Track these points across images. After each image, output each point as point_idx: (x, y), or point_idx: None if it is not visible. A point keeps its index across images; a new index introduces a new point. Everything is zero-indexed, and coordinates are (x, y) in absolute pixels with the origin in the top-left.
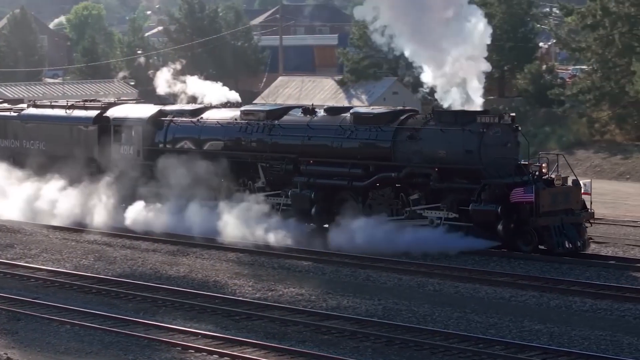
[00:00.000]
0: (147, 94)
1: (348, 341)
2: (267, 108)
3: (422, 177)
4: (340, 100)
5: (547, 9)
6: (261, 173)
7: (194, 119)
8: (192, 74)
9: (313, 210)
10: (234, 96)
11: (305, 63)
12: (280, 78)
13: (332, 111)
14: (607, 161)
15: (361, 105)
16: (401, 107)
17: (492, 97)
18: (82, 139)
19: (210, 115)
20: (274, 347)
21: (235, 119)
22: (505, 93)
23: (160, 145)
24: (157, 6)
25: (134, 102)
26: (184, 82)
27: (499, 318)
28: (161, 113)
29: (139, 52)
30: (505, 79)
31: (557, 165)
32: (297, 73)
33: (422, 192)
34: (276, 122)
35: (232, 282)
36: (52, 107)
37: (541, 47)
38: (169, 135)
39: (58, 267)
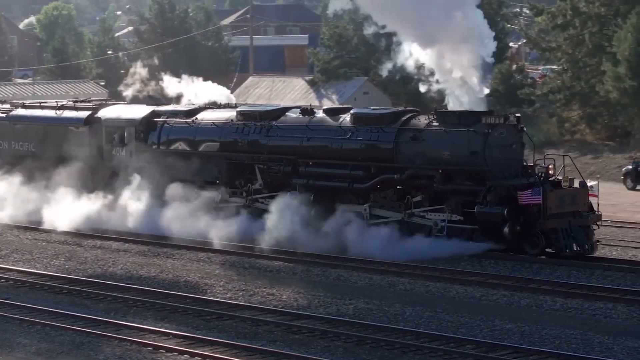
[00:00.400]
0: (117, 94)
1: (319, 341)
2: (264, 109)
3: (425, 178)
4: (310, 100)
5: (518, 9)
6: (258, 175)
7: (189, 120)
8: (162, 74)
9: (312, 212)
10: (228, 95)
11: (275, 63)
12: (250, 78)
13: (332, 112)
14: (578, 161)
15: (361, 106)
16: (402, 108)
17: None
18: (73, 140)
19: (205, 116)
20: (245, 346)
21: (232, 120)
22: None
23: (154, 147)
24: (127, 6)
25: (125, 102)
26: (179, 81)
27: (470, 317)
28: (154, 114)
29: (109, 52)
30: None
31: (563, 166)
32: (268, 73)
33: (425, 194)
34: (274, 122)
35: (202, 282)
36: (42, 107)
37: (511, 47)
38: (163, 137)
39: (29, 268)
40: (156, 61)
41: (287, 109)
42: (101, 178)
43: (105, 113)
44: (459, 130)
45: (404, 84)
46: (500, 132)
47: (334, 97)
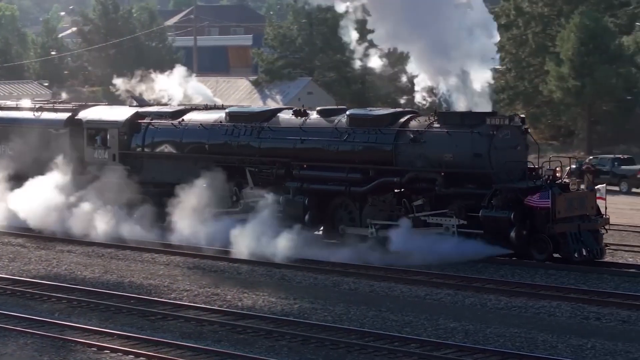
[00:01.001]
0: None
1: (264, 340)
2: (256, 110)
3: (427, 182)
4: (255, 100)
5: None
6: (249, 178)
7: (175, 122)
8: (106, 75)
9: (307, 217)
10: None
11: (219, 63)
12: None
13: (326, 113)
14: None
15: (358, 107)
16: (401, 109)
17: (406, 97)
18: (53, 143)
19: (192, 118)
20: (190, 346)
21: (220, 122)
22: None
23: (138, 149)
24: (70, 7)
25: (106, 103)
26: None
27: (414, 316)
28: (138, 115)
29: (53, 53)
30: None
31: (570, 168)
32: (212, 74)
33: (427, 198)
34: (265, 124)
35: (147, 283)
36: (19, 109)
37: None
38: (148, 139)
39: None
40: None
41: (279, 110)
42: (82, 181)
43: (86, 114)
44: (462, 132)
45: (348, 84)
46: (505, 134)
47: (278, 97)
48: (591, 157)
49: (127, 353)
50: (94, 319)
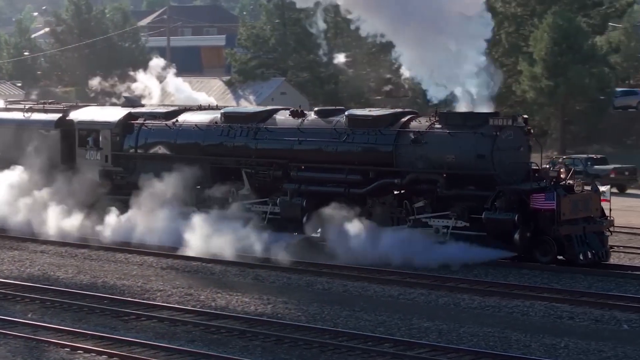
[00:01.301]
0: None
1: (237, 340)
2: (252, 110)
3: (428, 183)
4: (228, 101)
5: None
6: (245, 180)
7: (169, 122)
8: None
9: (304, 219)
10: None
11: (192, 64)
12: (166, 79)
13: (324, 113)
14: None
15: (357, 108)
16: (400, 109)
17: (379, 97)
18: (43, 144)
19: (186, 118)
20: (163, 347)
21: (215, 122)
22: (392, 92)
23: (131, 151)
24: (43, 7)
25: (97, 104)
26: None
27: (387, 316)
28: (130, 116)
29: (26, 53)
30: (392, 79)
31: (573, 170)
32: (185, 74)
33: (428, 200)
34: (262, 125)
35: (120, 283)
36: (8, 109)
37: None
38: (141, 140)
39: None
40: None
41: (275, 110)
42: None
43: (77, 115)
44: (465, 133)
45: (321, 84)
46: (508, 135)
47: (251, 97)
48: (564, 157)
49: (100, 353)
50: (67, 319)
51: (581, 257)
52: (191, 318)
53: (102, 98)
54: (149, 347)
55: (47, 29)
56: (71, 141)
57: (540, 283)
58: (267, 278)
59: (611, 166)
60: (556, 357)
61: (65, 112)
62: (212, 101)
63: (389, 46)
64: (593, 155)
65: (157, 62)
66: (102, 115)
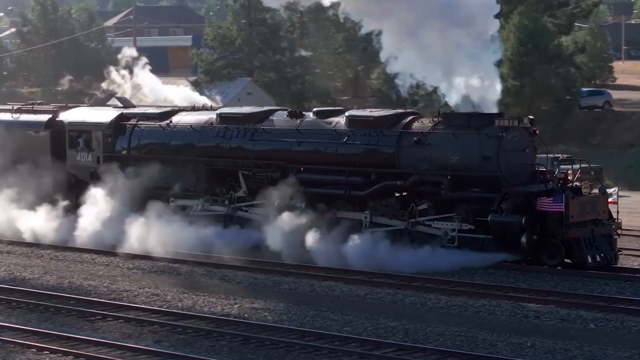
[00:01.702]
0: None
1: (204, 340)
2: (248, 111)
3: (432, 185)
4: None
5: None
6: (242, 181)
7: (163, 123)
8: (46, 76)
9: (304, 221)
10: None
11: (159, 64)
12: (133, 81)
13: (323, 114)
14: None
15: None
16: (402, 110)
17: (345, 98)
18: (32, 146)
19: (181, 119)
20: (130, 347)
21: (211, 123)
22: (359, 93)
23: (124, 152)
24: (9, 8)
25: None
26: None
27: (354, 316)
28: (123, 117)
29: None
30: (359, 79)
31: (580, 171)
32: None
33: (432, 202)
34: (259, 126)
35: (87, 284)
36: None
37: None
38: (134, 141)
39: None
40: None
41: (272, 111)
42: (63, 185)
43: (67, 116)
44: (470, 134)
45: (288, 84)
46: (514, 135)
47: (218, 97)
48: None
49: (66, 354)
50: (34, 320)
51: (590, 260)
52: (158, 318)
53: (68, 99)
54: (116, 347)
55: (13, 30)
56: (61, 142)
57: (507, 282)
58: (233, 278)
59: (577, 166)
60: (523, 356)
61: (55, 113)
62: (190, 94)
63: (356, 47)
64: (559, 155)
65: (130, 52)
66: (93, 116)
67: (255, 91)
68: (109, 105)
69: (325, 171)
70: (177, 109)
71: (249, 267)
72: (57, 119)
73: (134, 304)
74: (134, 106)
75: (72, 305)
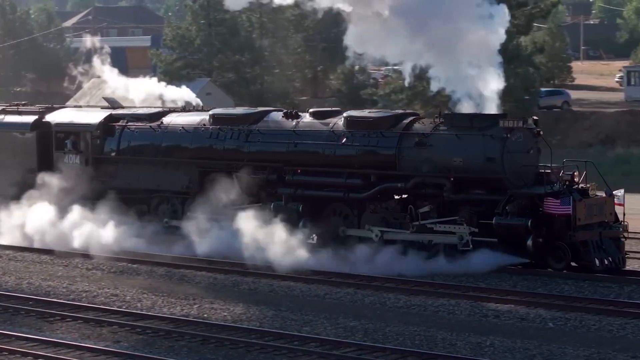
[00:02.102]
0: None
1: (163, 340)
2: (242, 112)
3: (434, 187)
4: (153, 102)
5: None
6: (236, 184)
7: (154, 124)
8: (4, 76)
9: (300, 224)
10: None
11: (118, 65)
12: (92, 80)
13: (320, 115)
14: None
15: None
16: (402, 110)
17: (304, 98)
18: (18, 148)
19: (172, 120)
20: (89, 347)
21: (204, 124)
22: (318, 93)
23: (113, 154)
24: None
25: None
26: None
27: (314, 315)
28: (112, 118)
29: None
30: (318, 79)
31: (585, 173)
32: None
33: (434, 205)
34: (254, 127)
35: (46, 284)
36: None
37: None
38: (123, 143)
39: None
40: None
41: (267, 112)
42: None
43: (54, 117)
44: (473, 135)
45: (247, 84)
46: (518, 137)
47: None
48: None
49: (25, 354)
50: None
51: (598, 264)
52: (117, 319)
53: (28, 99)
54: (75, 347)
55: None
56: (48, 144)
57: (466, 282)
58: (192, 278)
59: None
60: (482, 356)
61: (42, 114)
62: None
63: (315, 47)
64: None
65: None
66: (81, 117)
67: (215, 91)
68: (97, 106)
69: (323, 173)
70: (168, 109)
71: (208, 267)
72: (44, 120)
73: (93, 304)
74: (122, 107)
75: (31, 306)
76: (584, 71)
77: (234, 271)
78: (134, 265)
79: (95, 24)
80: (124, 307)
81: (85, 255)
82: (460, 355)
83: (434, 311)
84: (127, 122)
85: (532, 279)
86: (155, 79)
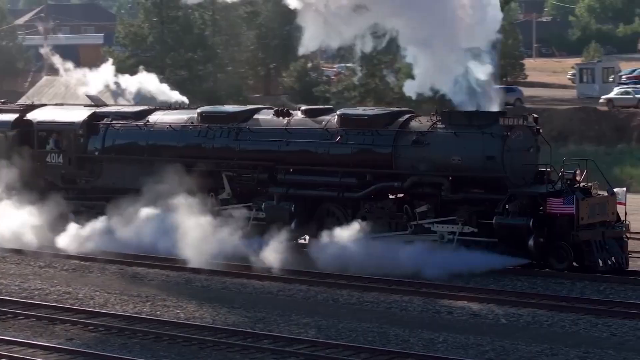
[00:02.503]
0: None
1: (116, 338)
2: (231, 110)
3: (431, 186)
4: (106, 98)
5: None
6: (226, 183)
7: (139, 122)
8: None
9: (293, 224)
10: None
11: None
12: (45, 77)
13: (312, 113)
14: None
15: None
16: (398, 108)
17: (257, 95)
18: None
19: (159, 118)
20: (42, 345)
21: (192, 122)
22: (271, 91)
23: (97, 153)
24: None
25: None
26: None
27: (267, 312)
28: (95, 116)
29: None
30: (271, 76)
31: (587, 171)
32: None
33: (431, 204)
34: (244, 125)
35: None
36: None
37: None
38: (108, 141)
39: None
40: None
41: (256, 110)
42: (32, 188)
43: (36, 116)
44: (472, 133)
45: (200, 82)
46: (518, 135)
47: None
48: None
49: None
50: None
51: (601, 264)
52: (69, 316)
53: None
54: (27, 345)
55: None
56: (30, 143)
57: (419, 278)
58: (145, 276)
59: None
60: (435, 352)
61: (23, 112)
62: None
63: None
64: None
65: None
66: (64, 115)
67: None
68: (80, 104)
69: (316, 172)
70: (154, 107)
71: (161, 264)
72: (25, 119)
73: (45, 302)
74: (106, 105)
75: None
76: (536, 68)
77: (187, 268)
78: (87, 263)
79: (47, 21)
80: (77, 304)
81: (37, 253)
82: (413, 351)
83: (387, 307)
84: (111, 120)
85: (484, 275)
86: (112, 67)
